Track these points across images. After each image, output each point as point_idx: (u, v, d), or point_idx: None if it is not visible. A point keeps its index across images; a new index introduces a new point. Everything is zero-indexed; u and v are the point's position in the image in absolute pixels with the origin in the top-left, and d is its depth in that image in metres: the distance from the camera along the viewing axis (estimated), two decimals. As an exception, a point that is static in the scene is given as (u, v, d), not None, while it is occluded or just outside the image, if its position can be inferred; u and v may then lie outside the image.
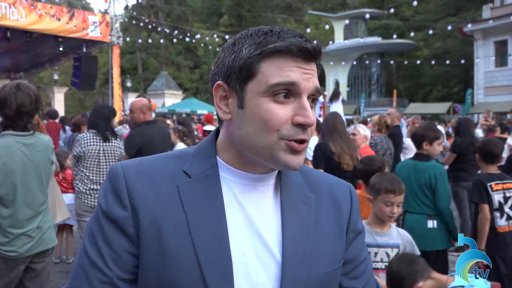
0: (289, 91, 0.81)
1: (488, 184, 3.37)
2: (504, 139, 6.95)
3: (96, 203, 4.15)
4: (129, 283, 0.82)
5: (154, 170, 0.86)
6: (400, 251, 2.40)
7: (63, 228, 5.18)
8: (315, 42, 0.84)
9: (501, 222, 3.36)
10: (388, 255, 2.40)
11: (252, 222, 0.86)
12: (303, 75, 0.81)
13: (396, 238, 2.45)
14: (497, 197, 3.37)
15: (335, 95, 8.49)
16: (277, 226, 0.88)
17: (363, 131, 4.52)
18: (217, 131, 0.94)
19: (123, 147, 4.16)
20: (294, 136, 0.81)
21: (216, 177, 0.87)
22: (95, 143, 3.97)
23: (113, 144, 4.06)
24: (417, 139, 3.71)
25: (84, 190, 3.99)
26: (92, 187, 3.98)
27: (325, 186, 0.98)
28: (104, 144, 4.00)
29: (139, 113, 4.40)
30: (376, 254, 2.42)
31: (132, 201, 0.82)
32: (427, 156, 3.65)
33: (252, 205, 0.87)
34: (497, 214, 3.37)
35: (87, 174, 3.97)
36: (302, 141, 0.83)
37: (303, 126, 0.81)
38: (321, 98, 8.66)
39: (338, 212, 0.96)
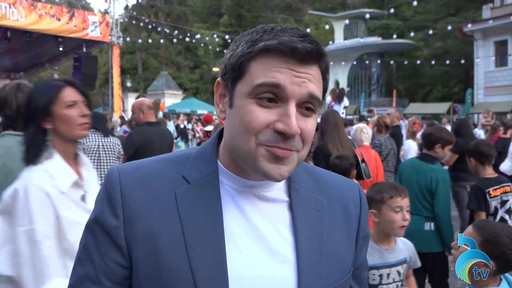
0: (275, 94, 0.75)
1: (487, 190, 3.33)
2: (507, 139, 6.91)
3: None
4: None
5: (152, 176, 0.83)
6: (407, 264, 2.22)
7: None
8: (313, 42, 0.76)
9: None
10: (399, 274, 2.17)
11: (258, 232, 0.81)
12: (293, 78, 0.74)
13: (404, 251, 2.22)
14: (494, 203, 3.34)
15: (341, 96, 8.51)
16: (288, 236, 0.83)
17: (353, 131, 4.52)
18: (221, 132, 0.90)
19: (124, 144, 4.19)
20: (272, 142, 0.75)
21: (216, 184, 0.82)
22: (94, 140, 4.05)
23: (112, 140, 4.14)
24: (432, 140, 3.62)
25: None
26: None
27: (335, 189, 0.93)
28: (103, 139, 4.07)
29: (139, 113, 4.40)
30: (388, 275, 2.17)
31: (126, 211, 0.79)
32: (433, 158, 3.61)
33: (257, 214, 0.83)
34: (491, 218, 3.36)
35: None
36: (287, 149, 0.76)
37: (283, 135, 0.75)
38: (328, 99, 8.64)
39: (348, 218, 0.92)
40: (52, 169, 1.69)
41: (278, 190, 0.86)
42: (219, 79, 0.84)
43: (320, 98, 0.78)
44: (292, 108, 0.74)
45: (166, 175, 0.83)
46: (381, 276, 2.15)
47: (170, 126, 8.68)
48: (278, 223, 0.84)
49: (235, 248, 0.79)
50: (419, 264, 2.31)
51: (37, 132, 1.75)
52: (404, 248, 2.24)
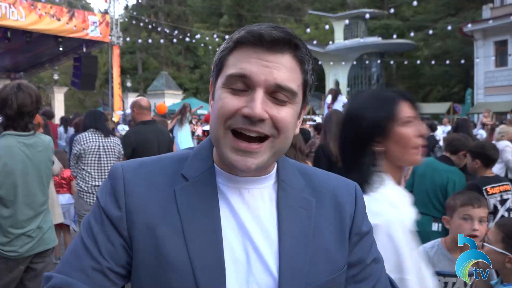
0: (245, 84, 0.79)
1: (484, 188, 3.32)
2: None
3: None
4: (120, 276, 0.84)
5: (153, 173, 0.87)
6: None
7: (60, 228, 5.18)
8: (284, 32, 0.78)
9: (491, 224, 3.33)
10: (465, 284, 2.10)
11: (245, 229, 0.84)
12: (260, 68, 0.77)
13: None
14: (492, 201, 3.33)
15: (335, 96, 8.50)
16: (273, 234, 0.85)
17: None
18: None
19: (121, 145, 4.19)
20: (239, 124, 0.78)
21: (212, 180, 0.86)
22: (94, 140, 4.04)
23: (112, 140, 4.14)
24: (459, 146, 3.62)
25: (86, 188, 4.01)
26: (94, 183, 4.02)
27: (328, 189, 0.94)
28: (103, 140, 4.06)
29: (132, 112, 4.52)
30: (454, 284, 2.11)
31: (128, 203, 0.84)
32: (452, 162, 3.61)
33: (245, 210, 0.85)
34: (491, 217, 3.35)
35: (89, 171, 4.01)
36: (260, 139, 0.79)
37: (250, 119, 0.77)
38: (328, 99, 8.66)
39: (340, 216, 0.92)
40: (395, 199, 1.36)
41: (268, 188, 0.89)
42: (211, 79, 0.89)
43: (291, 88, 0.79)
44: (258, 94, 0.77)
45: (166, 172, 0.87)
46: (446, 284, 2.11)
47: (187, 129, 8.35)
48: (266, 220, 0.86)
49: (227, 243, 0.82)
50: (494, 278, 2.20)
51: (368, 154, 1.41)
52: None
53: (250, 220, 0.85)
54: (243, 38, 0.79)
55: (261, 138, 0.80)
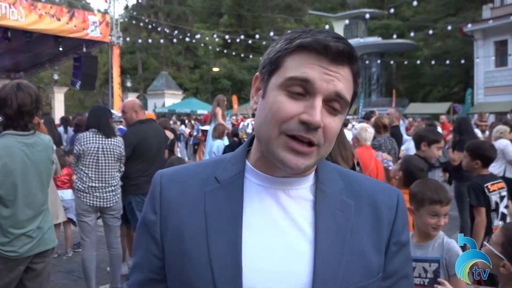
0: (304, 88, 0.79)
1: (485, 185, 3.38)
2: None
3: (95, 202, 4.04)
4: (159, 282, 0.90)
5: (188, 177, 0.92)
6: (440, 265, 2.16)
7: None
8: (347, 44, 0.80)
9: (496, 222, 3.37)
10: (425, 271, 2.16)
11: (278, 227, 0.84)
12: (323, 75, 0.78)
13: (437, 251, 2.18)
14: (494, 198, 3.39)
15: None
16: (308, 233, 0.85)
17: (350, 132, 4.52)
18: (253, 138, 0.95)
19: (123, 146, 4.15)
20: (294, 131, 0.79)
21: (240, 184, 0.88)
22: (94, 141, 3.97)
23: (113, 142, 4.06)
24: (417, 139, 3.74)
25: (83, 188, 3.96)
26: (90, 185, 3.95)
27: (367, 192, 0.93)
28: (103, 142, 4.00)
29: (131, 113, 4.48)
30: (414, 269, 2.16)
31: (163, 208, 0.90)
32: (420, 157, 3.62)
33: (281, 210, 0.86)
34: (494, 214, 3.38)
35: (86, 172, 3.95)
36: (310, 143, 0.80)
37: (307, 125, 0.78)
38: None
39: (378, 222, 0.90)
40: None
41: (305, 189, 0.89)
42: (257, 73, 0.90)
43: (347, 98, 0.82)
44: (318, 101, 0.78)
45: (200, 176, 0.91)
46: None
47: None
48: (301, 220, 0.86)
49: (255, 243, 0.83)
50: (453, 271, 2.18)
51: None
52: (438, 248, 2.19)
53: (284, 219, 0.85)
54: (308, 44, 0.79)
55: (310, 143, 0.81)
